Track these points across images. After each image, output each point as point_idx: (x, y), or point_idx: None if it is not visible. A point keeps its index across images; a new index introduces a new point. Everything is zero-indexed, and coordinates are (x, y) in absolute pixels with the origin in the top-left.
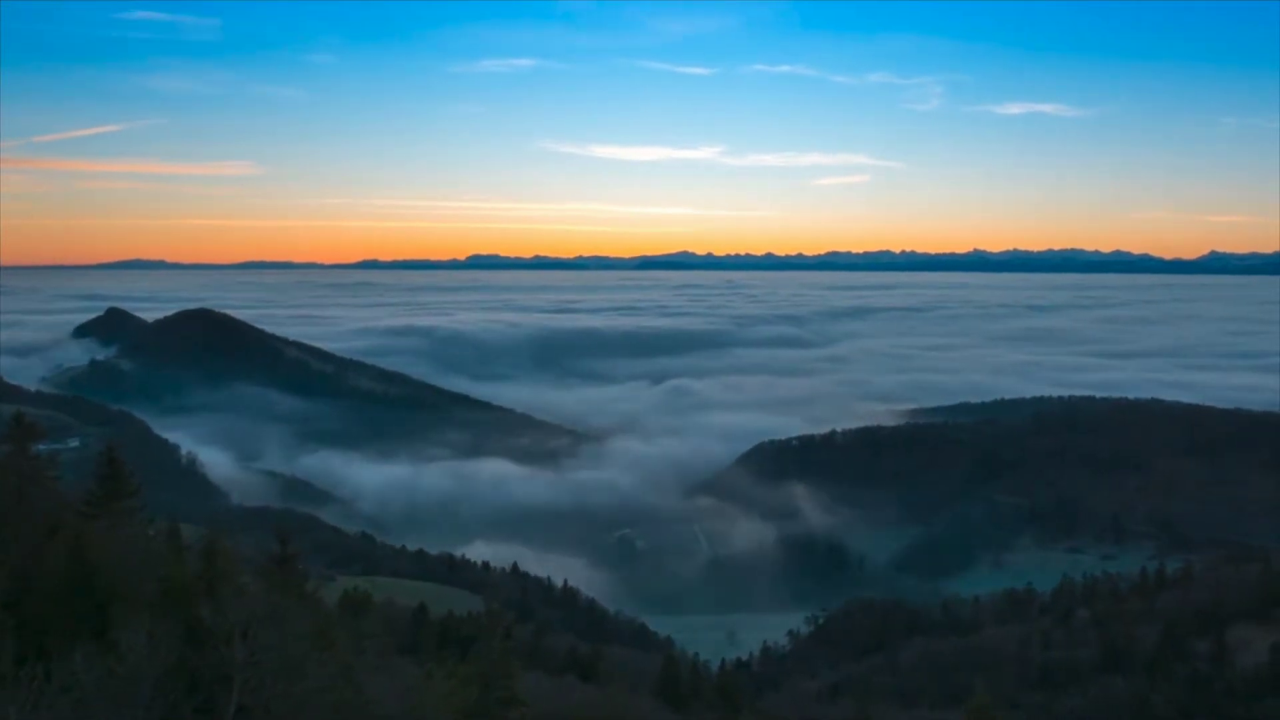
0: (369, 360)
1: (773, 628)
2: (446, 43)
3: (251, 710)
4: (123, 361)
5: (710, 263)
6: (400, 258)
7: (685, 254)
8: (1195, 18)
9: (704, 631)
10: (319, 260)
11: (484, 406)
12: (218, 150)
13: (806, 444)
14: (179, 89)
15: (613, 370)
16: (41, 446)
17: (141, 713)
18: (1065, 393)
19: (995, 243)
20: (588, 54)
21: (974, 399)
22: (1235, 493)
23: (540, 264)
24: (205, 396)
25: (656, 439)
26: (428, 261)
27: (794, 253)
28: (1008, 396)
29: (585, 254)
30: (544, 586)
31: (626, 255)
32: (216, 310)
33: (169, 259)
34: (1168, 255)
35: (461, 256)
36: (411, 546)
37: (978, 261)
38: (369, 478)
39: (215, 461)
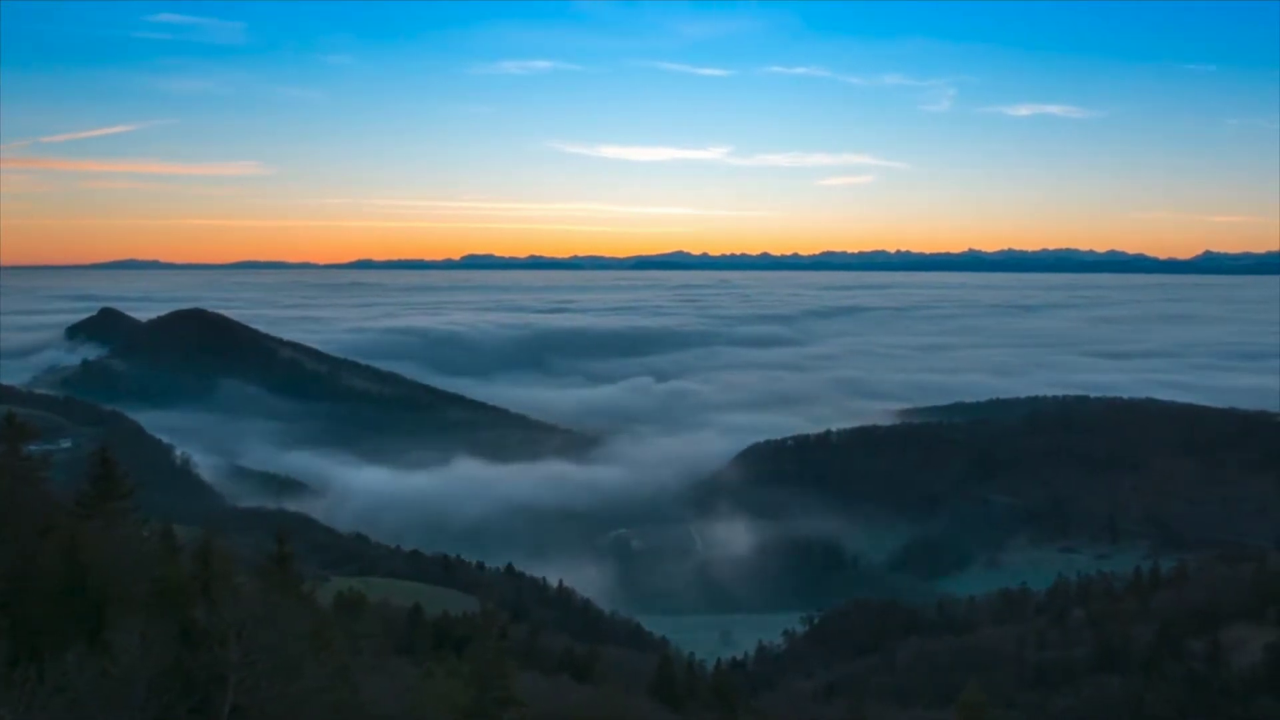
0: (363, 360)
1: (768, 627)
2: (465, 44)
3: (246, 711)
4: (115, 362)
5: (705, 263)
6: (395, 257)
7: (680, 254)
8: (1196, 18)
9: (699, 631)
10: (313, 260)
11: (479, 406)
12: (225, 151)
13: (801, 444)
14: (194, 90)
15: (605, 370)
16: (34, 447)
17: (136, 714)
18: (1059, 392)
19: (990, 242)
20: (606, 56)
21: (969, 399)
22: (1230, 492)
23: (535, 264)
24: (199, 397)
25: (651, 439)
26: (422, 261)
27: (789, 253)
28: (1002, 396)
29: (580, 254)
30: (539, 586)
31: (622, 255)
32: (210, 310)
33: (164, 259)
34: (1162, 255)
35: (457, 256)
36: (406, 547)
37: (973, 261)
38: (363, 478)
39: (209, 462)
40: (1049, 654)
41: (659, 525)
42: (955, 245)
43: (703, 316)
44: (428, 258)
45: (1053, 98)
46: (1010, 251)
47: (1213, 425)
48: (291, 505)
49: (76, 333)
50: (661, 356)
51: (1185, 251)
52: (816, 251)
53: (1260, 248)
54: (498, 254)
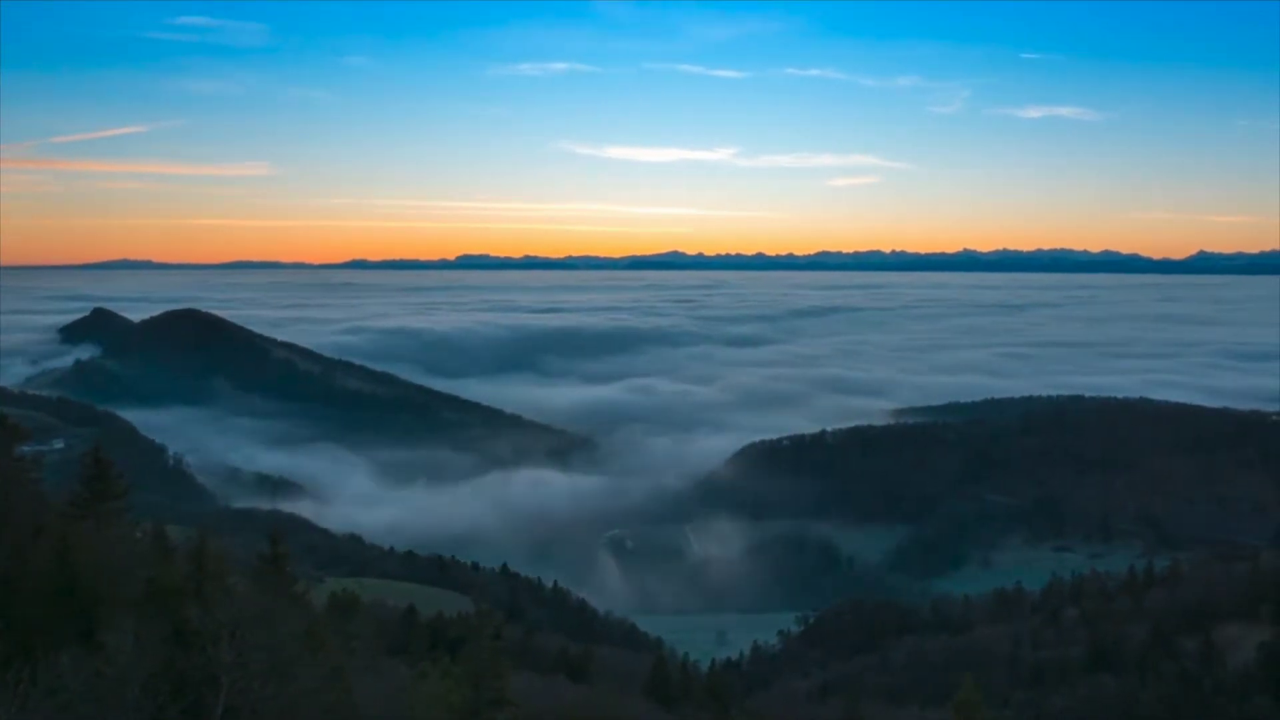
0: (357, 361)
1: (763, 627)
2: (485, 45)
3: (240, 712)
4: (108, 362)
5: (700, 263)
6: (389, 258)
7: (675, 254)
8: (1195, 19)
9: (694, 632)
10: (307, 260)
11: (473, 407)
12: (233, 152)
13: (796, 444)
14: (209, 91)
15: (596, 370)
16: (26, 448)
17: (129, 715)
18: (1052, 392)
19: (985, 242)
20: (623, 58)
21: (963, 399)
22: (1223, 492)
23: (530, 264)
24: (192, 397)
25: (645, 439)
26: (417, 261)
27: (785, 253)
28: (997, 396)
29: (576, 254)
30: (533, 587)
31: (617, 255)
32: (203, 310)
33: (157, 259)
34: (1156, 255)
35: (451, 256)
36: (400, 548)
37: (968, 261)
38: (357, 478)
39: (202, 462)
40: (1043, 653)
41: (654, 525)
42: (951, 245)
43: (691, 317)
44: (422, 258)
45: (1062, 100)
46: (1005, 251)
47: (1206, 425)
48: (285, 506)
49: (70, 333)
50: (652, 357)
51: (1179, 251)
52: (812, 251)
53: (1254, 247)
54: (493, 254)
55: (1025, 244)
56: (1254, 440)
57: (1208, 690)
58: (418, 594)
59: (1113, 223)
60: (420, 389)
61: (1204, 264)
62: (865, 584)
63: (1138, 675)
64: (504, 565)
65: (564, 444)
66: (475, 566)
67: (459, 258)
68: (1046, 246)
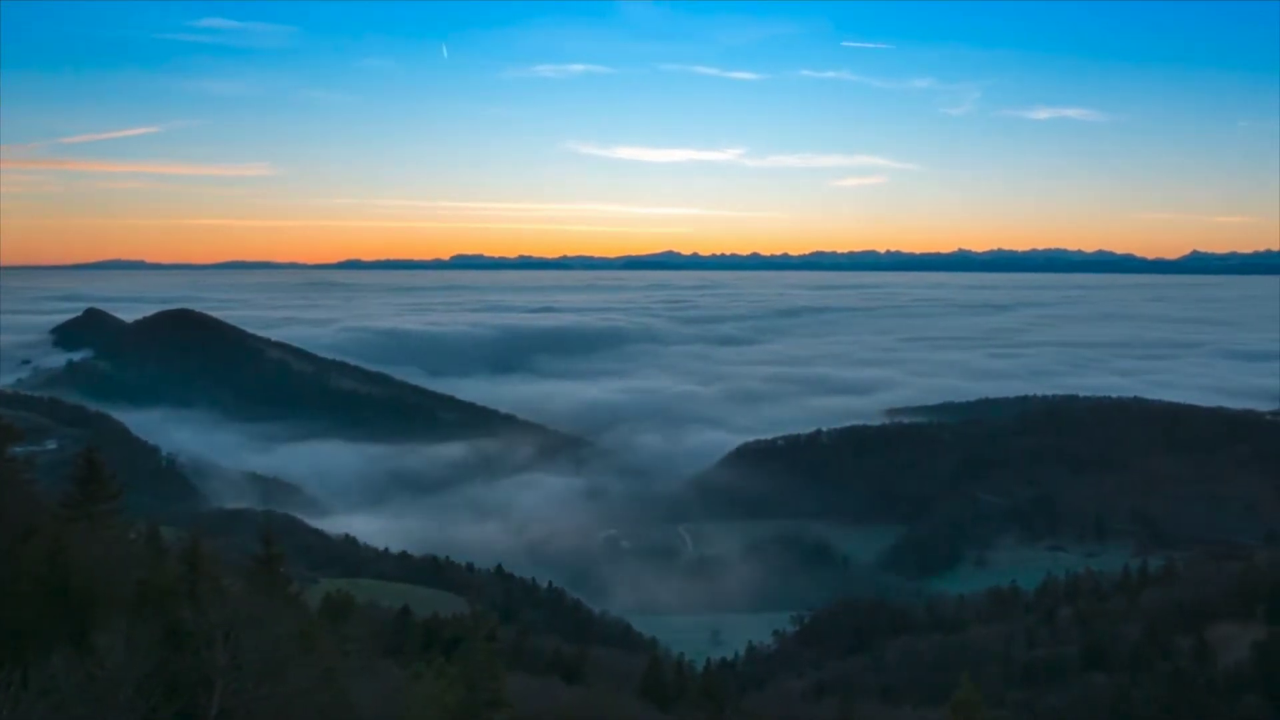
0: (351, 361)
1: (758, 627)
2: (505, 47)
3: (233, 713)
4: (101, 362)
5: (695, 263)
6: (384, 258)
7: (670, 254)
8: (1192, 20)
9: (689, 632)
10: (301, 260)
11: (468, 407)
12: (242, 153)
13: (791, 443)
14: (227, 92)
15: (589, 370)
16: (18, 449)
17: (122, 716)
18: (1046, 392)
19: (980, 242)
20: (641, 59)
21: (957, 398)
22: (1216, 491)
23: (524, 264)
24: (185, 397)
25: (640, 439)
26: (411, 261)
27: (779, 253)
28: (991, 396)
29: (571, 254)
30: (528, 587)
31: (612, 255)
32: (196, 310)
33: (150, 259)
34: (1150, 255)
35: (446, 256)
36: (395, 548)
37: (962, 261)
38: (352, 479)
39: (195, 463)
40: (1038, 652)
41: (649, 525)
42: (946, 245)
43: (682, 317)
44: (416, 258)
45: (1066, 101)
46: (1000, 251)
47: (1200, 424)
48: (279, 506)
49: (62, 333)
50: (642, 357)
51: (1174, 251)
52: (807, 252)
53: (1248, 247)
54: (488, 254)
55: (1020, 244)
56: (1248, 440)
57: (1201, 689)
58: (412, 595)
59: (1108, 223)
60: (415, 389)
61: (1198, 264)
62: (860, 583)
63: (1132, 674)
64: (499, 566)
65: (558, 444)
66: (470, 567)
67: (453, 258)
68: (1041, 246)
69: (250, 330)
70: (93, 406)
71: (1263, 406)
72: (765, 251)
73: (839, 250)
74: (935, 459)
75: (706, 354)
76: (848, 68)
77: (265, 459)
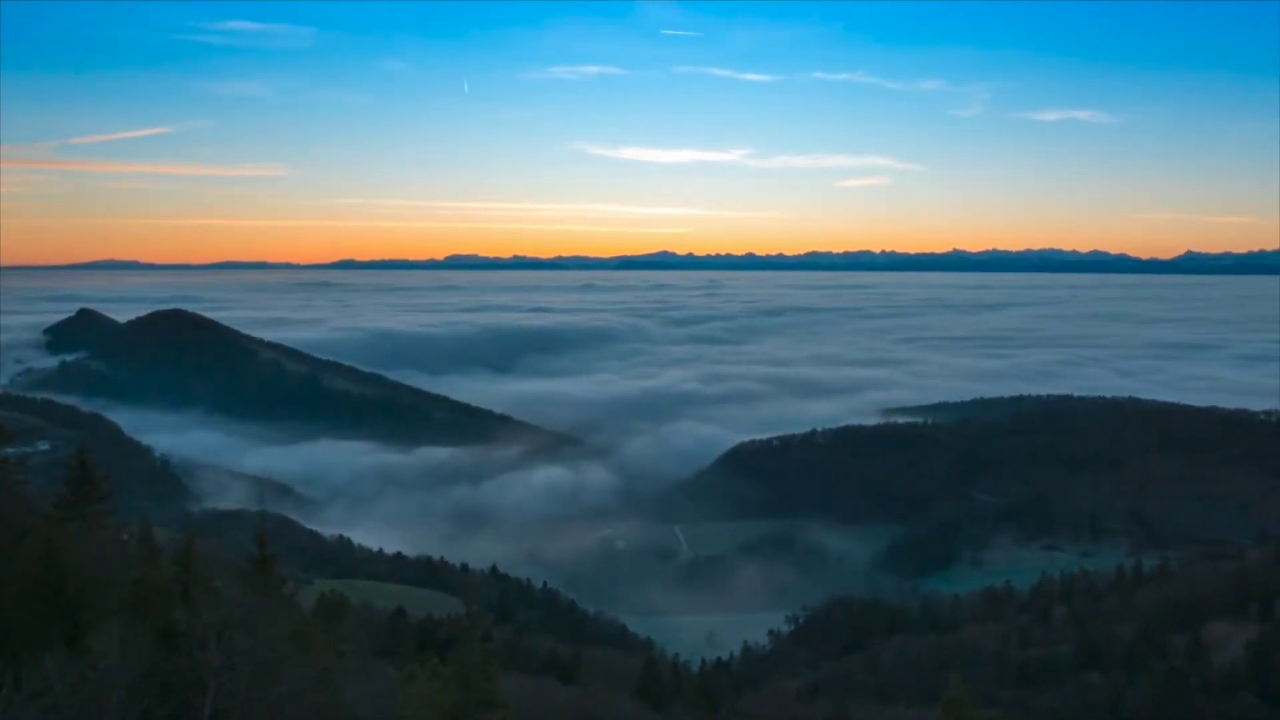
0: (345, 361)
1: (753, 627)
2: (522, 48)
3: (227, 715)
4: (94, 363)
5: (689, 263)
6: (377, 258)
7: (665, 254)
8: (1189, 20)
9: (684, 632)
10: (295, 260)
11: (462, 407)
12: (250, 154)
13: (786, 443)
14: (244, 93)
15: (580, 369)
16: (10, 450)
17: (114, 718)
18: (1040, 391)
19: (975, 242)
20: (655, 61)
21: (952, 398)
22: (1211, 490)
23: (519, 264)
24: (178, 398)
25: (635, 439)
26: (405, 261)
27: (775, 253)
28: (986, 396)
29: (565, 254)
30: (523, 588)
31: (607, 255)
32: (189, 310)
33: (142, 259)
34: (1145, 255)
35: (440, 257)
36: (389, 549)
37: (956, 261)
38: (346, 479)
39: (188, 464)
40: (1032, 652)
41: (644, 525)
42: (941, 245)
43: (674, 317)
44: (410, 258)
45: (1068, 103)
46: (994, 251)
47: (1194, 424)
48: (272, 507)
49: (54, 334)
50: (634, 356)
51: (1168, 251)
52: (802, 252)
53: (1241, 247)
54: (482, 254)
55: (1015, 244)
56: (1241, 439)
57: (1196, 688)
58: (407, 595)
59: (1103, 223)
60: (409, 389)
61: (1192, 264)
62: (855, 584)
63: (1126, 673)
64: (493, 566)
65: (551, 444)
66: (464, 568)
67: (448, 258)
68: (1036, 247)
69: (244, 330)
70: (86, 407)
71: (1256, 406)
72: (761, 252)
73: (834, 250)
74: (930, 459)
75: (696, 354)
76: (861, 69)
77: (259, 459)
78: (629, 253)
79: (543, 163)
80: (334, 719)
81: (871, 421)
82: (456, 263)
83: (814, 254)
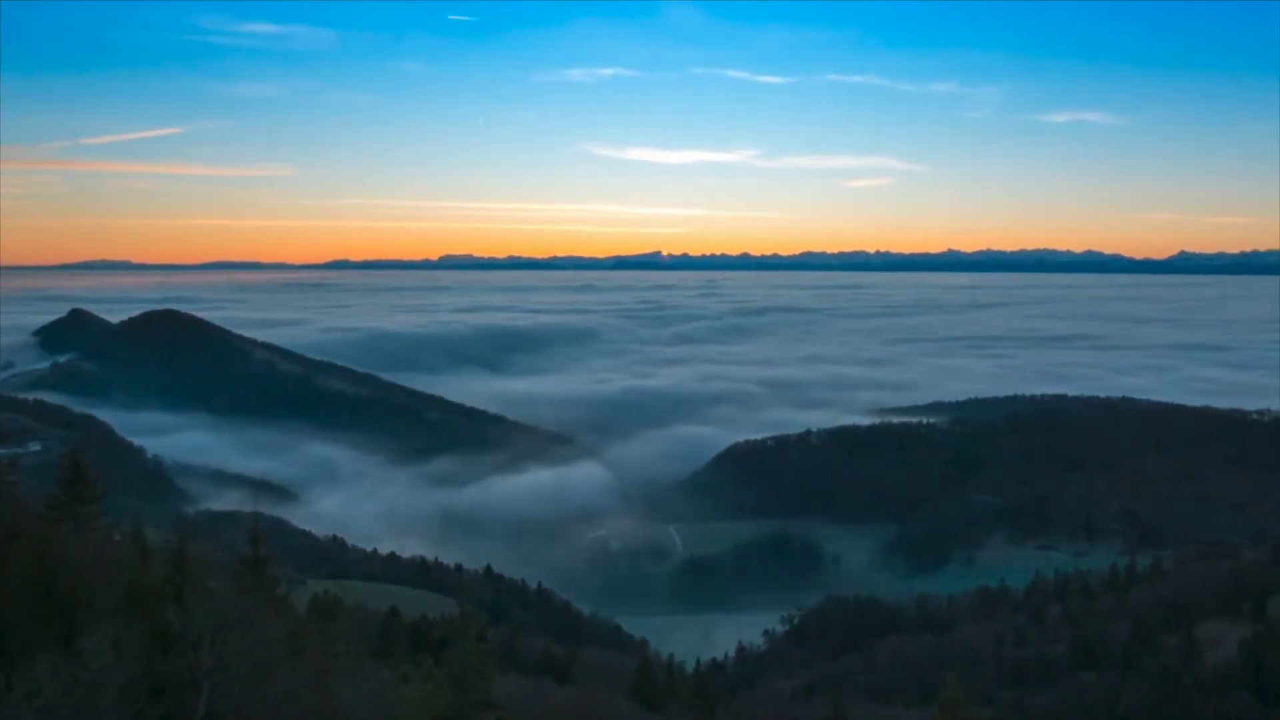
0: (338, 362)
1: (748, 627)
2: (540, 50)
3: (220, 717)
4: (86, 363)
5: (684, 263)
6: (371, 258)
7: (659, 254)
8: (1185, 21)
9: (679, 632)
10: (289, 261)
11: (456, 408)
12: (258, 154)
13: (781, 443)
14: (259, 95)
15: (572, 368)
16: (2, 450)
17: None
18: (1034, 391)
19: (971, 243)
20: (671, 63)
21: (946, 398)
22: (1205, 490)
23: (513, 264)
24: (171, 398)
25: (630, 438)
26: (398, 261)
27: (770, 253)
28: (981, 395)
29: (561, 254)
30: (518, 588)
31: (602, 256)
32: (181, 311)
33: (134, 259)
34: (1139, 255)
35: (434, 256)
36: (383, 549)
37: (952, 261)
38: (339, 479)
39: (181, 464)
40: (1027, 651)
41: (639, 525)
42: (935, 245)
43: (666, 317)
44: (404, 258)
45: (1079, 105)
46: (989, 252)
47: (1188, 424)
48: (266, 508)
49: (46, 334)
50: (628, 355)
51: (1161, 252)
52: (797, 252)
53: (1235, 247)
54: (476, 254)
55: (1009, 244)
56: (1235, 439)
57: (1190, 687)
58: (401, 596)
59: (1099, 223)
60: (403, 389)
61: (1186, 264)
62: (850, 583)
63: (1120, 672)
64: (488, 567)
65: (546, 444)
66: (459, 568)
67: (442, 258)
68: (1030, 247)
69: (237, 330)
70: (78, 408)
71: (1250, 406)
72: (756, 252)
73: (829, 250)
74: (925, 459)
75: (687, 354)
76: (874, 72)
77: (252, 460)
78: (625, 253)
79: (547, 164)
80: None
81: (866, 421)
82: (451, 263)
83: (809, 254)
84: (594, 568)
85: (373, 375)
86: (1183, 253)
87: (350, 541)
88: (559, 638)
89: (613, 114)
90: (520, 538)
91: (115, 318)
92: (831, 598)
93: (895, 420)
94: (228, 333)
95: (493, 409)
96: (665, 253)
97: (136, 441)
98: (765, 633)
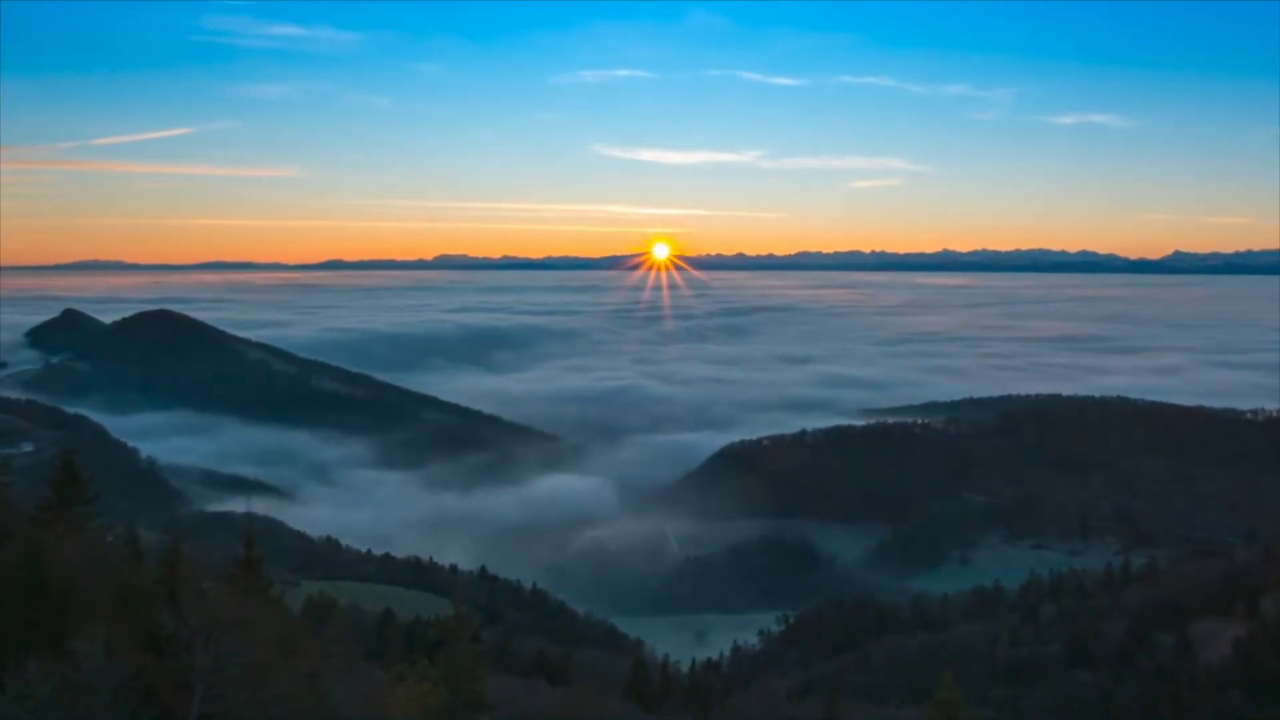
0: (332, 362)
1: (743, 628)
2: (557, 52)
3: (214, 718)
4: (79, 363)
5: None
6: (367, 258)
7: (655, 254)
8: (1183, 21)
9: (674, 632)
10: (283, 260)
11: (451, 408)
12: (270, 156)
13: (776, 444)
14: (273, 96)
15: (566, 367)
16: None
17: None
18: (1028, 390)
19: (966, 243)
20: (687, 65)
21: (941, 398)
22: (1198, 489)
23: (508, 264)
24: (164, 399)
25: (626, 439)
26: (393, 261)
27: (765, 253)
28: (976, 395)
29: (556, 254)
30: (512, 589)
31: (597, 255)
32: (175, 311)
33: (127, 259)
34: (1133, 255)
35: (429, 256)
36: (377, 550)
37: (946, 261)
38: (333, 480)
39: (175, 465)
40: (1021, 650)
41: (633, 525)
42: (930, 245)
43: (659, 316)
44: (400, 258)
45: (1096, 106)
46: (984, 252)
47: (1181, 423)
48: (260, 509)
49: (39, 334)
50: (624, 355)
51: (1156, 252)
52: (792, 252)
53: (1229, 248)
54: (471, 254)
55: (1005, 244)
56: (1228, 438)
57: (1183, 686)
58: (395, 597)
59: (1094, 224)
60: (397, 389)
61: (1180, 264)
62: (845, 583)
63: (1114, 671)
64: (482, 567)
65: (540, 444)
66: (453, 568)
67: (436, 258)
68: (1025, 247)
69: (231, 331)
70: (70, 408)
71: (1243, 406)
72: (751, 252)
73: (825, 250)
74: (919, 458)
75: (684, 353)
76: (887, 74)
77: (246, 460)
78: (622, 253)
79: (555, 165)
80: None
81: (861, 421)
82: (446, 263)
83: (804, 254)
84: (589, 568)
85: (366, 375)
86: (1177, 252)
87: (344, 542)
88: (553, 638)
89: (624, 115)
90: (515, 537)
91: (108, 318)
92: (826, 597)
93: (890, 420)
94: (221, 333)
95: (488, 409)
96: (660, 253)
97: (130, 442)
98: (760, 633)
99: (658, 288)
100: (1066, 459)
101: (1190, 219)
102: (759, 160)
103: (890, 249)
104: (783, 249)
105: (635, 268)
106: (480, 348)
